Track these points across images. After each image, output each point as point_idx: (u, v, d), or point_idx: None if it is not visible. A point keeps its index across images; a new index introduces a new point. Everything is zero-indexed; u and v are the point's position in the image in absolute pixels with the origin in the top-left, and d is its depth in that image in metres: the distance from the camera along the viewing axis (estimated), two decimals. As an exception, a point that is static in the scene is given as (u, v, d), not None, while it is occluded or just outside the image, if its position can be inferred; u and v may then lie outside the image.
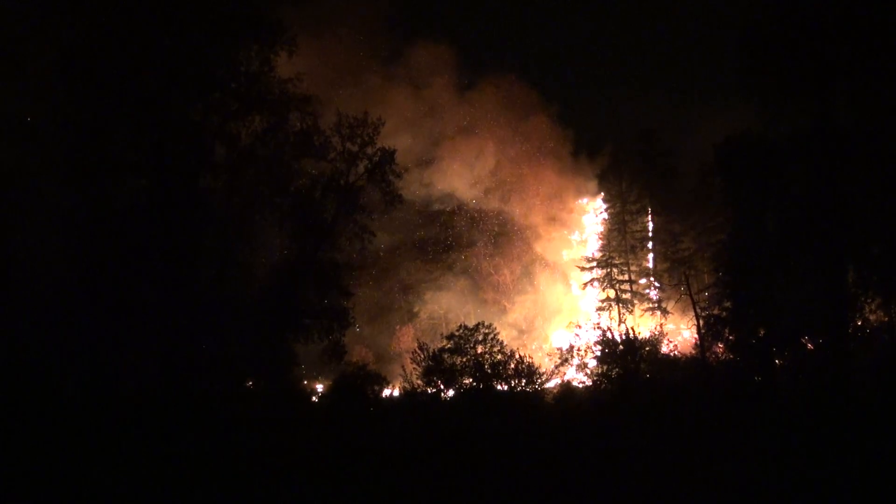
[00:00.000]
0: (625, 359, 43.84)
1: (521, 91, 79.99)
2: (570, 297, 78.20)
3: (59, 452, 28.75)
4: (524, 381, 44.24)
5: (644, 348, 44.51)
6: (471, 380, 44.17)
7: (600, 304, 70.00)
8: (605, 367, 44.65)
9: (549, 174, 79.49)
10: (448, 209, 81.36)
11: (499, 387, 43.98)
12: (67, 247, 38.78)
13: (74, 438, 30.56)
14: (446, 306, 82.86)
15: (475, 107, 79.05)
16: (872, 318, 39.04)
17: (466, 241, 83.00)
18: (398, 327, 79.84)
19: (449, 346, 45.34)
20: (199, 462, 29.52)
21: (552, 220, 79.46)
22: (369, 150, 44.59)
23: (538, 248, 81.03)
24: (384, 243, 74.41)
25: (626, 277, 70.26)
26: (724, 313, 43.75)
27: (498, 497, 22.87)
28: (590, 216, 79.55)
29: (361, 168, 44.73)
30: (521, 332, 76.64)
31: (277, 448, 34.16)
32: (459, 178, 78.76)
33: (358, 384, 45.34)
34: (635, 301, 69.14)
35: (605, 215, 74.62)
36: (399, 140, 52.38)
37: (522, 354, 45.84)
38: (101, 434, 31.30)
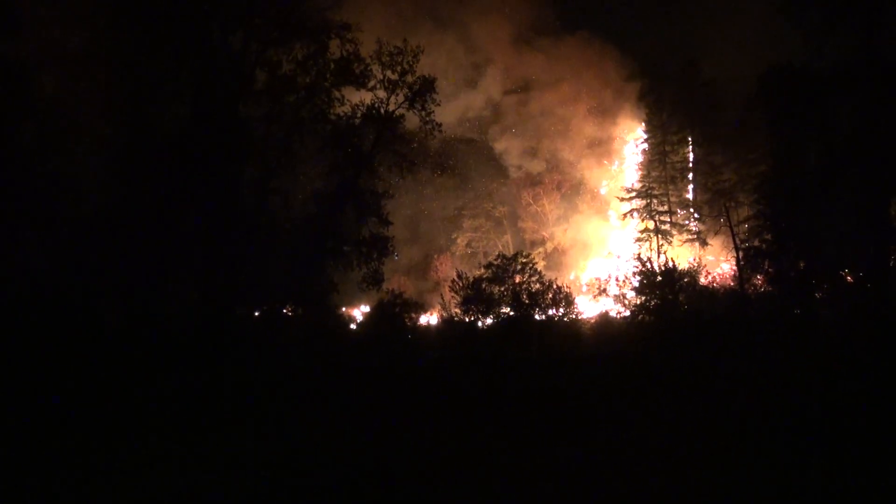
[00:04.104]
0: (663, 290, 43.81)
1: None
2: (608, 228, 78.06)
3: (100, 379, 29.26)
4: (561, 310, 44.46)
5: (683, 279, 44.34)
6: (509, 309, 44.46)
7: (639, 234, 69.63)
8: (643, 298, 44.67)
9: (590, 105, 79.08)
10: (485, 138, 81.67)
11: (536, 316, 44.21)
12: (108, 175, 39.09)
13: (114, 364, 31.03)
14: (484, 235, 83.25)
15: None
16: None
17: (506, 170, 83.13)
18: (436, 256, 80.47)
19: (487, 275, 45.58)
20: (237, 388, 30.01)
21: (592, 151, 79.06)
22: (409, 79, 44.33)
23: (578, 178, 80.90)
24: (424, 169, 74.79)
25: (666, 208, 69.93)
26: (765, 245, 43.68)
27: (534, 425, 23.07)
28: (630, 146, 78.89)
29: (401, 96, 44.55)
30: (559, 262, 76.91)
31: (314, 374, 34.79)
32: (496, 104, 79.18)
33: (396, 312, 45.68)
34: (674, 232, 68.87)
35: (646, 146, 73.99)
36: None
37: (560, 284, 45.95)
38: (140, 360, 31.78)
